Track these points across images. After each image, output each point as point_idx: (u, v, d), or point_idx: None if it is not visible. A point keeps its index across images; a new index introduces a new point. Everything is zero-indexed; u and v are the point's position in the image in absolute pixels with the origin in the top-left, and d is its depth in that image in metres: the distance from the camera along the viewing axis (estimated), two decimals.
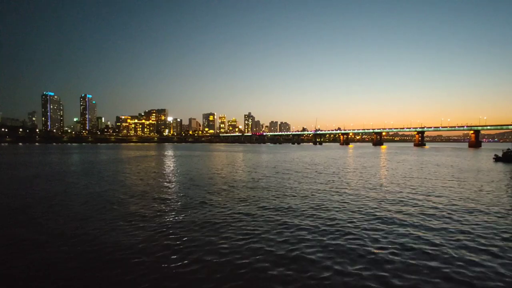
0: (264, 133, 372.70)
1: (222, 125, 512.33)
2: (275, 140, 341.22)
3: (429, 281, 8.34)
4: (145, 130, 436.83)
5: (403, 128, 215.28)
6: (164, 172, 36.75)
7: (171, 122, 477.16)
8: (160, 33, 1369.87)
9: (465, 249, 10.68)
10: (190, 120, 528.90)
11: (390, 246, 10.91)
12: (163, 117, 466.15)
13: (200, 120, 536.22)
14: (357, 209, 16.73)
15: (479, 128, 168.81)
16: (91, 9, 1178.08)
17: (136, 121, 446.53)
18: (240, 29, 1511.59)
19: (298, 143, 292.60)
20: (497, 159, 54.91)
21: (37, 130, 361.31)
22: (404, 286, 8.11)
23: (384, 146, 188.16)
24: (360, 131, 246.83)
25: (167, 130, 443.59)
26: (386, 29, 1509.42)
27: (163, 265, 9.31)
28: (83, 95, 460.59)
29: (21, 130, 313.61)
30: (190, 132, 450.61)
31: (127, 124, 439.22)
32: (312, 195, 21.00)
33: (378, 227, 13.32)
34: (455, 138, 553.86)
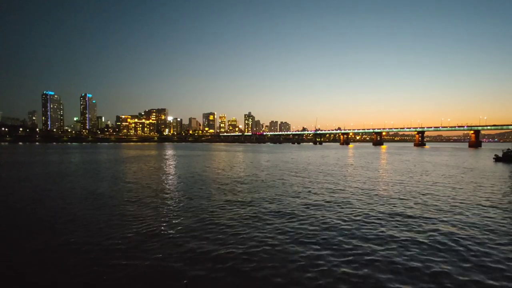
0: (264, 133, 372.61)
1: (222, 125, 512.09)
2: (275, 139, 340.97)
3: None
4: (145, 129, 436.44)
5: (403, 128, 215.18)
6: (170, 172, 36.79)
7: (171, 121, 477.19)
8: (160, 33, 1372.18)
9: (464, 247, 10.77)
10: (190, 119, 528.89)
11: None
12: (163, 117, 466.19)
13: (200, 119, 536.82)
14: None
15: (479, 128, 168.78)
16: (91, 9, 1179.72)
17: (136, 120, 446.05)
18: (241, 29, 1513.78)
19: (298, 143, 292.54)
20: (497, 159, 54.95)
21: (37, 129, 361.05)
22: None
23: (384, 146, 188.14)
24: (360, 131, 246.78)
25: (167, 130, 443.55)
26: (386, 29, 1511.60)
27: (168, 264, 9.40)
28: (83, 94, 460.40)
29: (21, 129, 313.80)
30: (190, 132, 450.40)
31: (127, 123, 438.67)
32: (311, 194, 21.09)
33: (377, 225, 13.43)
34: (455, 138, 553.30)
